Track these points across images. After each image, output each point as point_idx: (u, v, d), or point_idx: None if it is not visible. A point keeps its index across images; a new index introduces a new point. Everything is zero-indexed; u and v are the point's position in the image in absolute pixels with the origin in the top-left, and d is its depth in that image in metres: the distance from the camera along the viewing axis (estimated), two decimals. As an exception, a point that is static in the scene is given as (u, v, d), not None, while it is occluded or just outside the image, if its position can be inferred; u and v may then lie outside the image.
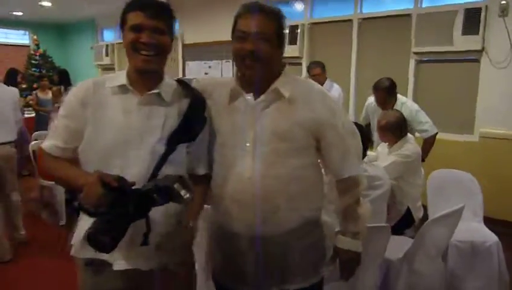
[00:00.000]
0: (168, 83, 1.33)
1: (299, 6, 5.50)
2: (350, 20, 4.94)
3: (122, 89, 1.28)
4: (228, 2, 4.94)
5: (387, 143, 2.97)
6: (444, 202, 2.95)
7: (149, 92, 1.27)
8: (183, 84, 1.36)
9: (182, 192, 1.10)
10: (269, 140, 1.32)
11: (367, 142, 2.25)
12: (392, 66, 4.49)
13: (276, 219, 1.34)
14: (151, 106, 1.27)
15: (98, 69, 8.90)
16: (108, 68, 8.53)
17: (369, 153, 3.14)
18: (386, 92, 3.52)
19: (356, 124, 2.24)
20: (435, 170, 3.09)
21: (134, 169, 1.21)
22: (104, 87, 1.29)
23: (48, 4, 7.14)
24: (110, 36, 8.73)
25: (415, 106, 3.58)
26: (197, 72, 6.67)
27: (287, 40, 5.00)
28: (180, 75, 7.01)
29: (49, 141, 1.29)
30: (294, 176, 1.34)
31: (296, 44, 5.24)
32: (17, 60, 8.55)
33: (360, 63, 4.93)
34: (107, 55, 8.31)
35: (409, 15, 4.42)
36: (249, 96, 1.35)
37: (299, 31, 5.23)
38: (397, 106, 3.55)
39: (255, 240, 1.35)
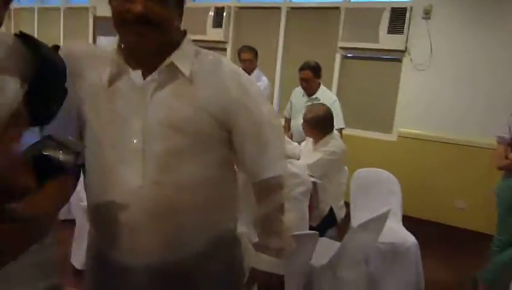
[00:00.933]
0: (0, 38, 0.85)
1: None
2: (279, 8, 4.73)
3: None
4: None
5: (311, 139, 2.81)
6: (366, 202, 2.89)
7: None
8: (27, 41, 0.87)
9: (60, 156, 0.73)
10: (164, 134, 0.98)
11: None
12: (318, 59, 4.34)
13: (179, 241, 1.01)
14: None
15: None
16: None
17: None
18: (312, 71, 3.53)
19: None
20: (354, 167, 3.01)
21: None
22: None
23: None
24: None
25: (334, 96, 3.66)
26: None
27: (211, 22, 4.63)
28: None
29: None
30: (201, 181, 1.02)
31: (221, 27, 4.91)
32: None
33: (287, 53, 4.76)
34: None
35: (337, 8, 4.33)
36: (136, 75, 1.00)
37: (225, 14, 4.90)
38: (319, 93, 3.56)
39: (151, 272, 1.00)
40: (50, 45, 0.92)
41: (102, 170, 1.00)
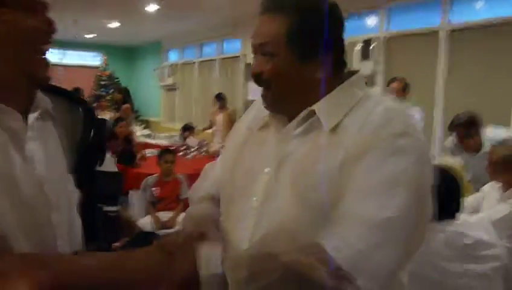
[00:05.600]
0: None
1: (373, 19, 4.84)
2: (436, 32, 4.17)
3: None
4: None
5: (497, 185, 2.20)
6: None
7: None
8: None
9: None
10: (288, 196, 0.80)
11: (455, 192, 1.55)
12: (492, 85, 3.66)
13: None
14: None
15: (161, 90, 8.87)
16: (171, 89, 8.44)
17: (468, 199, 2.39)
18: (463, 128, 2.79)
19: (443, 170, 1.60)
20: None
21: None
22: None
23: (116, 25, 7.21)
24: (174, 57, 8.67)
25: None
26: (259, 93, 6.22)
27: (358, 55, 4.27)
28: (241, 97, 6.62)
29: None
30: None
31: (369, 59, 4.57)
32: (88, 80, 8.80)
33: (450, 82, 4.10)
34: (169, 75, 8.22)
35: (515, 22, 3.56)
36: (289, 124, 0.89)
37: (373, 45, 4.57)
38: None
39: None
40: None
41: (226, 228, 0.91)
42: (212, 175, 1.07)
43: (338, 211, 0.74)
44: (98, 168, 0.94)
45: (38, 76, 0.75)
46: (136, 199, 3.65)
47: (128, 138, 4.54)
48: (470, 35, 3.95)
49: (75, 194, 0.84)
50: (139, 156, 4.21)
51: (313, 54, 0.83)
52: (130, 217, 0.92)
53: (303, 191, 0.78)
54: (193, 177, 3.76)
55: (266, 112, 0.93)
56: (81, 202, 0.85)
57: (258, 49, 0.85)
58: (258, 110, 0.98)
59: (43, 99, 0.80)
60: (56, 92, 0.86)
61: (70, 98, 0.90)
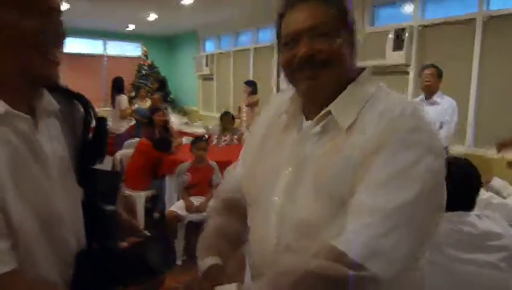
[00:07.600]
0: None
1: (408, 7, 4.75)
2: (472, 20, 4.05)
3: None
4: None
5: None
6: None
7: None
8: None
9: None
10: (309, 194, 0.85)
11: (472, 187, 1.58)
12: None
13: None
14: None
15: (198, 79, 9.10)
16: (208, 78, 8.64)
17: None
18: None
19: (460, 161, 1.62)
20: None
21: None
22: None
23: (154, 16, 7.45)
24: (211, 47, 8.85)
25: None
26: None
27: (391, 44, 4.23)
28: (274, 88, 6.68)
29: None
30: None
31: (402, 50, 4.51)
32: (130, 70, 9.17)
33: (485, 72, 4.00)
34: (206, 65, 8.41)
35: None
36: (307, 123, 0.94)
37: (406, 34, 4.50)
38: None
39: None
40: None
41: (252, 229, 1.01)
42: (233, 176, 1.14)
43: (350, 205, 0.79)
44: (97, 167, 0.96)
45: (41, 76, 0.78)
46: (171, 184, 3.87)
47: (166, 126, 4.76)
48: (507, 22, 3.82)
49: (78, 192, 0.89)
50: (175, 143, 4.42)
51: (352, 43, 0.90)
52: (129, 217, 1.00)
53: (324, 189, 0.83)
54: (225, 164, 3.93)
55: (284, 110, 0.97)
56: (82, 200, 0.90)
57: (307, 32, 0.86)
58: (277, 108, 1.02)
59: (49, 99, 0.86)
60: (59, 91, 0.90)
61: (72, 96, 0.93)
